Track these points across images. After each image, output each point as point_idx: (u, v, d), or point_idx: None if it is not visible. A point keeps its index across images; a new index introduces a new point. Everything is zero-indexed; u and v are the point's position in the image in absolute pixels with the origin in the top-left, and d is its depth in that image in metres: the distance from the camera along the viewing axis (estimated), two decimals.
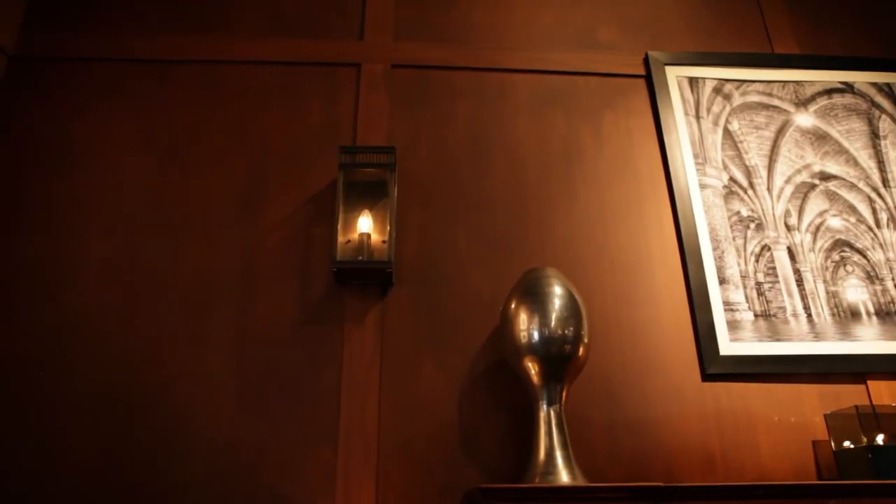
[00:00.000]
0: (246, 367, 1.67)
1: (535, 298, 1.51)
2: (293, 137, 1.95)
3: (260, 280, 1.76)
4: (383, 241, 1.73)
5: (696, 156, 1.99)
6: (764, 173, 1.99)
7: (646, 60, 2.15)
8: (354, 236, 1.74)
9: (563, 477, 1.37)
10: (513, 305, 1.54)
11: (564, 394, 1.48)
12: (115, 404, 1.61)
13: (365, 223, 1.73)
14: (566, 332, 1.47)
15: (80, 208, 1.83)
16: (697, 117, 2.05)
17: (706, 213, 1.92)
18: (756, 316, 1.80)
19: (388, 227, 1.72)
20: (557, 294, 1.51)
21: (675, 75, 2.12)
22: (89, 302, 1.72)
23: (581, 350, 1.48)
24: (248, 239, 1.81)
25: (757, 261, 1.87)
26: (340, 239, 1.71)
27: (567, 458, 1.41)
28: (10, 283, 1.73)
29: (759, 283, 1.84)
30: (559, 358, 1.46)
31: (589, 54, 2.15)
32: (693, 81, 2.11)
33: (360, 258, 1.70)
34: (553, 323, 1.47)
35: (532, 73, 2.09)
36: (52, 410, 1.60)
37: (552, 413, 1.45)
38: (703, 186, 1.95)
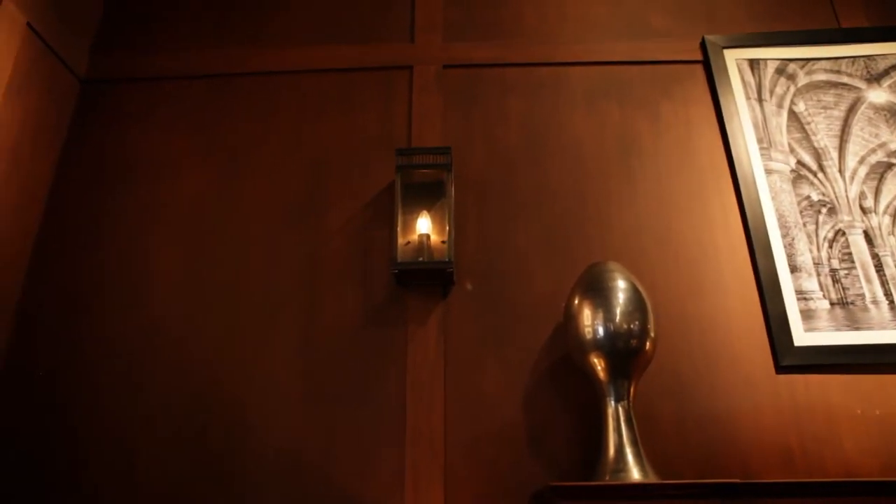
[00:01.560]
0: (312, 370, 1.71)
1: (599, 293, 1.49)
2: (349, 142, 1.98)
3: (323, 285, 1.80)
4: (443, 242, 1.74)
5: (760, 140, 1.93)
6: (835, 155, 1.90)
7: (702, 45, 2.09)
8: (414, 237, 1.75)
9: (634, 474, 1.35)
10: (576, 301, 1.52)
11: (632, 389, 1.46)
12: (189, 411, 1.68)
13: (424, 224, 1.75)
14: (631, 326, 1.45)
15: (149, 222, 1.91)
16: (760, 100, 1.98)
17: (773, 200, 1.85)
18: (832, 304, 1.72)
19: (447, 227, 1.72)
20: (621, 288, 1.49)
21: (734, 58, 2.05)
22: (161, 312, 1.79)
23: (647, 344, 1.45)
24: (309, 245, 1.85)
25: (830, 247, 1.79)
26: (400, 241, 1.73)
27: (637, 455, 1.38)
28: (90, 296, 1.82)
29: (833, 270, 1.76)
30: (625, 353, 1.44)
31: (643, 43, 2.11)
32: (754, 63, 2.04)
33: (421, 259, 1.71)
34: (618, 317, 1.45)
35: (585, 66, 2.06)
36: (131, 419, 1.68)
37: (620, 409, 1.43)
38: (768, 172, 1.88)
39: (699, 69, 2.06)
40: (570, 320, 1.52)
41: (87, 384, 1.71)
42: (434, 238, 1.75)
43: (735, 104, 1.98)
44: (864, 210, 1.83)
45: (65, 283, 1.84)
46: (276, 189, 1.93)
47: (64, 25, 2.04)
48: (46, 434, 1.66)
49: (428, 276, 1.73)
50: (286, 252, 1.84)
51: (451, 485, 1.57)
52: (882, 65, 2.02)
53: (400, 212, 1.76)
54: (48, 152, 1.97)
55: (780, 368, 1.66)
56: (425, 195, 1.81)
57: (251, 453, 1.63)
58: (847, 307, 1.72)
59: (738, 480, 1.23)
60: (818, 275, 1.76)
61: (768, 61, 2.04)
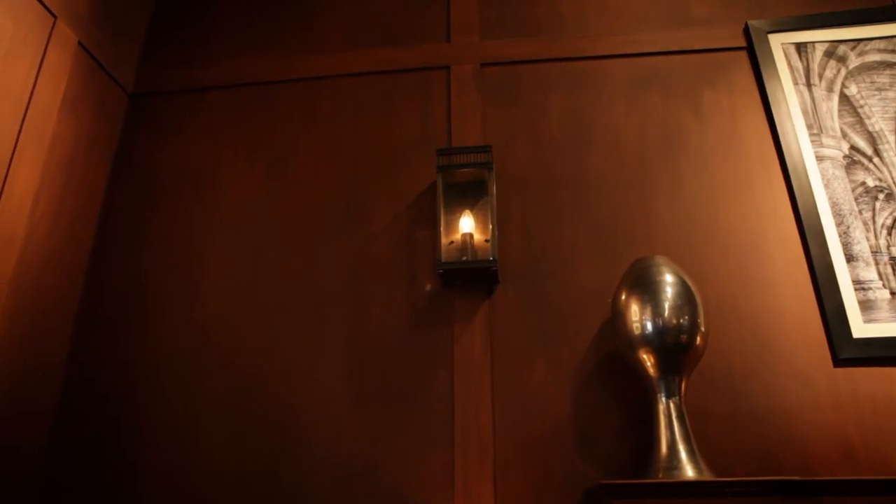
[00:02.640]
0: (359, 371, 1.73)
1: (647, 288, 1.47)
2: (390, 144, 1.99)
3: (368, 286, 1.82)
4: (486, 240, 1.74)
5: (809, 127, 1.87)
6: (891, 138, 1.83)
7: (746, 31, 2.03)
8: (457, 237, 1.76)
9: (688, 471, 1.32)
10: (623, 296, 1.50)
11: (683, 385, 1.43)
12: (239, 414, 1.72)
13: (467, 223, 1.75)
14: (681, 321, 1.42)
15: (197, 229, 1.96)
16: (808, 85, 1.92)
17: (826, 187, 1.79)
18: (893, 294, 1.66)
19: (490, 226, 1.72)
20: (669, 282, 1.46)
21: (779, 43, 1.99)
22: (210, 317, 1.84)
23: (698, 339, 1.42)
24: (353, 247, 1.87)
25: (889, 234, 1.72)
26: (444, 241, 1.73)
27: (691, 452, 1.35)
28: (141, 303, 1.88)
29: (893, 259, 1.69)
30: (675, 348, 1.41)
31: (683, 31, 2.06)
32: (801, 47, 1.98)
33: (465, 258, 1.71)
34: (667, 312, 1.43)
35: (625, 58, 2.03)
36: (182, 423, 1.73)
37: (672, 405, 1.41)
38: (820, 158, 1.82)
39: (743, 56, 2.01)
40: (617, 316, 1.50)
41: (141, 389, 1.77)
42: (477, 237, 1.75)
43: (782, 90, 1.92)
44: None
45: (118, 291, 1.90)
46: (320, 193, 1.96)
47: (112, 42, 2.11)
48: (104, 436, 1.73)
49: (472, 276, 1.73)
50: (331, 255, 1.87)
51: (501, 484, 1.57)
52: None
53: (442, 212, 1.76)
54: (100, 165, 2.04)
55: (839, 361, 1.61)
56: (467, 194, 1.81)
57: (301, 455, 1.65)
58: None
59: (796, 478, 1.19)
60: (877, 264, 1.69)
61: (816, 44, 1.98)
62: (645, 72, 2.01)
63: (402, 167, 1.95)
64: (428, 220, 1.86)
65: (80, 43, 1.93)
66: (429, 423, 1.65)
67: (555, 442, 1.60)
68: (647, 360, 1.43)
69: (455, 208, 1.79)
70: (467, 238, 1.73)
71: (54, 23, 1.83)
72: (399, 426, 1.66)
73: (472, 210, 1.78)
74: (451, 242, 1.77)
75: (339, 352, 1.76)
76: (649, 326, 1.43)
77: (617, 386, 1.63)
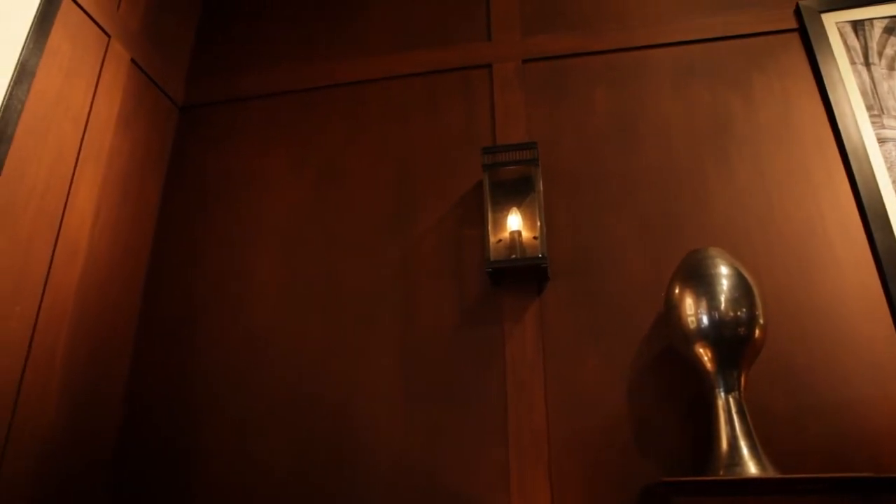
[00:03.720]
0: (411, 372, 1.74)
1: (701, 281, 1.44)
2: (435, 144, 2.00)
3: (417, 287, 1.83)
4: (534, 237, 1.73)
5: (869, 108, 1.79)
6: None
7: (797, 12, 1.96)
8: (505, 235, 1.75)
9: (751, 468, 1.29)
10: (676, 290, 1.47)
11: (743, 379, 1.39)
12: (295, 416, 1.75)
13: (514, 221, 1.74)
14: (738, 313, 1.39)
15: (249, 235, 2.01)
16: (867, 64, 1.84)
17: (889, 170, 1.71)
18: None
19: (538, 223, 1.71)
20: (724, 274, 1.43)
21: (833, 22, 1.92)
22: (264, 321, 1.88)
23: (757, 332, 1.39)
24: (402, 248, 1.89)
25: None
26: (492, 239, 1.73)
27: (753, 448, 1.32)
28: (199, 309, 1.94)
29: None
30: (733, 342, 1.38)
31: (730, 16, 2.00)
32: (857, 25, 1.90)
33: (514, 256, 1.70)
34: (723, 305, 1.39)
35: (670, 47, 1.98)
36: (241, 426, 1.77)
37: (731, 400, 1.37)
38: (881, 140, 1.75)
39: (794, 38, 1.94)
40: (671, 310, 1.48)
41: (200, 395, 1.83)
42: (526, 234, 1.74)
43: (838, 71, 1.85)
44: None
45: (176, 297, 1.96)
46: (368, 196, 1.98)
47: (162, 57, 2.17)
48: (167, 442, 1.79)
49: (522, 273, 1.72)
50: (380, 257, 1.89)
51: (557, 481, 1.56)
52: None
53: (490, 210, 1.76)
54: (154, 177, 2.11)
55: None
56: (514, 192, 1.80)
57: (357, 456, 1.67)
58: None
59: (870, 475, 1.15)
60: None
61: (874, 21, 1.89)
62: (691, 60, 1.96)
63: (448, 167, 1.96)
64: (475, 219, 1.86)
65: (132, 60, 2.00)
66: (483, 422, 1.65)
67: (610, 439, 1.58)
68: (704, 354, 1.40)
69: (502, 206, 1.79)
70: (515, 236, 1.72)
71: (108, 42, 1.90)
72: (453, 425, 1.66)
73: (519, 207, 1.78)
74: (500, 241, 1.76)
75: (390, 353, 1.77)
76: (705, 320, 1.40)
77: (672, 381, 1.60)
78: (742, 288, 1.41)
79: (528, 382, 1.65)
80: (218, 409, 1.80)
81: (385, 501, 1.62)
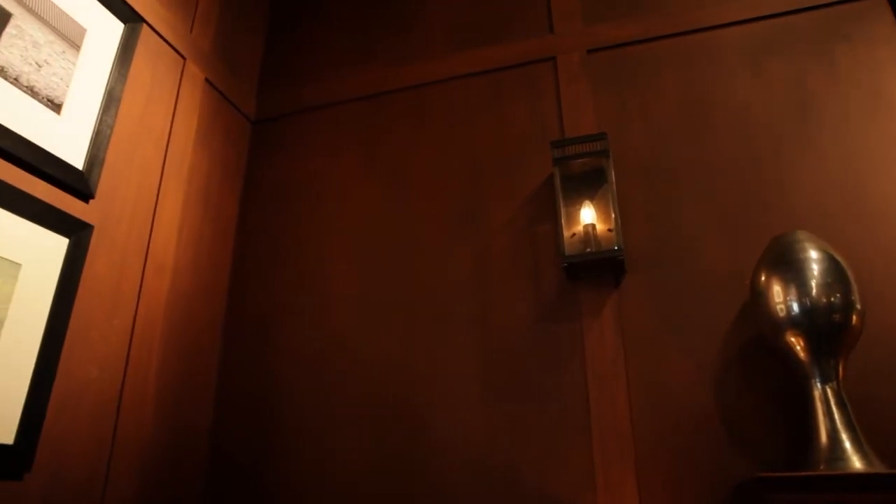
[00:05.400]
0: (490, 370, 1.74)
1: (789, 266, 1.37)
2: (502, 141, 1.99)
3: (492, 285, 1.82)
4: (609, 230, 1.69)
5: None
6: None
7: None
8: (579, 229, 1.72)
9: (855, 462, 1.22)
10: (763, 277, 1.41)
11: (841, 368, 1.32)
12: (375, 417, 1.78)
13: (588, 214, 1.71)
14: (832, 299, 1.32)
15: (324, 241, 2.06)
16: None
17: None
18: None
19: (612, 215, 1.68)
20: (814, 258, 1.36)
21: None
22: (341, 324, 1.92)
23: (854, 318, 1.31)
24: (475, 246, 1.89)
25: None
26: (565, 233, 1.71)
27: (856, 441, 1.25)
28: (279, 314, 2.01)
29: None
30: (828, 329, 1.31)
31: None
32: None
33: (589, 250, 1.67)
34: (815, 291, 1.33)
35: (743, 24, 1.89)
36: (322, 428, 1.82)
37: (829, 391, 1.31)
38: None
39: (882, 4, 1.80)
40: (758, 298, 1.42)
41: (285, 397, 1.89)
42: (600, 227, 1.71)
43: None
44: None
45: (257, 305, 2.04)
46: (439, 196, 1.99)
47: (233, 75, 2.26)
48: (252, 437, 1.86)
49: (598, 267, 1.69)
50: (453, 255, 1.89)
51: (644, 477, 1.52)
52: None
53: (562, 204, 1.74)
54: (232, 191, 2.19)
55: None
56: (586, 184, 1.77)
57: (438, 455, 1.69)
58: None
59: None
60: None
61: None
62: (766, 36, 1.87)
63: (517, 163, 1.95)
64: (548, 214, 1.84)
65: (206, 79, 2.08)
66: (564, 419, 1.63)
67: (698, 434, 1.53)
68: (796, 343, 1.34)
69: (574, 200, 1.76)
70: (589, 229, 1.69)
71: (184, 64, 1.99)
72: (534, 423, 1.65)
73: (591, 200, 1.75)
74: (573, 235, 1.74)
75: (468, 351, 1.78)
76: (795, 307, 1.33)
77: (761, 372, 1.53)
78: (835, 272, 1.34)
79: (609, 378, 1.62)
80: (300, 410, 1.85)
81: (470, 498, 1.62)
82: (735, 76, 1.85)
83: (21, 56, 1.44)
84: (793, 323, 1.34)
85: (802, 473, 1.22)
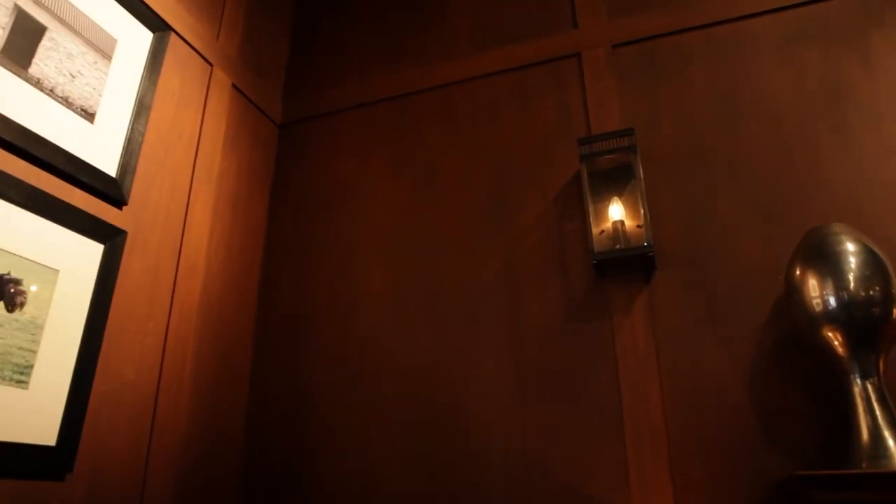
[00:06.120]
0: (521, 369, 1.73)
1: (826, 260, 1.34)
2: (529, 139, 1.98)
3: (522, 283, 1.82)
4: (638, 226, 1.67)
5: None
6: None
7: None
8: (608, 225, 1.71)
9: None
10: (798, 271, 1.38)
11: (882, 363, 1.29)
12: (409, 417, 1.79)
13: (616, 211, 1.70)
14: (871, 292, 1.29)
15: (354, 242, 2.07)
16: None
17: None
18: None
19: (641, 211, 1.66)
20: (852, 251, 1.33)
21: None
22: (373, 324, 1.93)
23: (894, 311, 1.28)
24: (504, 245, 1.88)
25: None
26: (594, 231, 1.69)
27: None
28: (310, 316, 2.03)
29: None
30: (867, 323, 1.28)
31: None
32: None
33: (618, 247, 1.66)
34: (852, 284, 1.30)
35: (772, 14, 1.85)
36: (355, 428, 1.83)
37: (869, 387, 1.28)
38: None
39: None
40: (793, 293, 1.39)
41: (318, 398, 1.91)
42: (629, 223, 1.69)
43: None
44: None
45: (288, 307, 2.06)
46: (467, 195, 1.99)
47: (259, 79, 2.28)
48: (285, 438, 1.87)
49: (627, 264, 1.67)
50: (483, 255, 1.89)
51: (679, 476, 1.51)
52: None
53: (590, 201, 1.72)
54: (261, 194, 2.22)
55: None
56: (613, 181, 1.76)
57: (473, 453, 1.69)
58: None
59: None
60: None
61: None
62: (797, 25, 1.83)
63: (544, 161, 1.93)
64: (576, 211, 1.83)
65: (233, 85, 2.11)
66: (597, 417, 1.62)
67: (733, 431, 1.51)
68: (834, 338, 1.31)
69: (602, 196, 1.75)
70: (618, 225, 1.68)
71: (211, 70, 2.01)
72: (567, 420, 1.64)
73: (620, 196, 1.73)
74: (602, 231, 1.72)
75: (499, 350, 1.77)
76: (832, 301, 1.31)
77: (797, 367, 1.51)
78: (874, 265, 1.31)
79: (641, 375, 1.61)
80: (333, 411, 1.87)
81: (505, 497, 1.62)
82: (764, 66, 1.82)
83: (56, 68, 1.47)
84: (830, 317, 1.31)
85: (844, 472, 1.19)
